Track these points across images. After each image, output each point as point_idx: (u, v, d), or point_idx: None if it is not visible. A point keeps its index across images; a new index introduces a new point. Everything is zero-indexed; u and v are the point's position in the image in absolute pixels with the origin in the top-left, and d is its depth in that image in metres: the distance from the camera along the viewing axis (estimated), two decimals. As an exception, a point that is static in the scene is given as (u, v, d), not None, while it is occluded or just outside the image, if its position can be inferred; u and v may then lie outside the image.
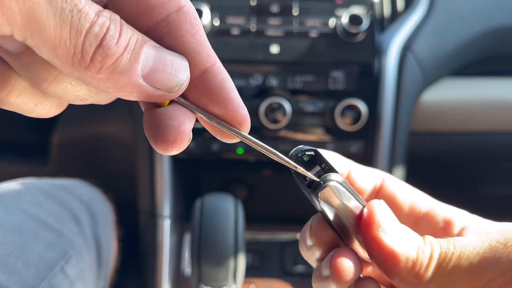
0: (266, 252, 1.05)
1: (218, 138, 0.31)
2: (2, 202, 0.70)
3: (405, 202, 0.39)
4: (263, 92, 0.90)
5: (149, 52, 0.25)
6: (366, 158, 0.93)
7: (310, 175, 0.34)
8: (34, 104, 0.28)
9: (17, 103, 0.27)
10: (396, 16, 0.97)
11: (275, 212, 1.12)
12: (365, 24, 0.87)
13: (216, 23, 0.90)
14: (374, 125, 0.90)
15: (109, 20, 0.24)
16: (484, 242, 0.30)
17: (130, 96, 0.26)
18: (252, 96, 0.90)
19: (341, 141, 0.92)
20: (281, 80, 0.90)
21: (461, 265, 0.30)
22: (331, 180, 0.34)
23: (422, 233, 0.36)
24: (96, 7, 0.24)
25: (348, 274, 0.32)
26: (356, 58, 0.90)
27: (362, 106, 0.88)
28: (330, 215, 0.34)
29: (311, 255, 0.37)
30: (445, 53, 0.94)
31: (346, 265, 0.33)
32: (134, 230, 1.02)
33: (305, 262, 1.03)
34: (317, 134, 0.92)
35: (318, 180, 0.34)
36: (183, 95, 0.29)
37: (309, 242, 0.36)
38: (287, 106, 0.88)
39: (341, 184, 0.34)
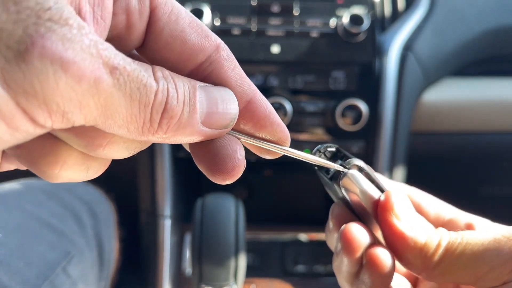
0: (266, 252, 1.05)
1: (263, 156, 0.33)
2: (5, 202, 0.70)
3: (431, 211, 0.41)
4: (264, 92, 0.90)
5: (201, 96, 0.26)
6: (367, 158, 0.93)
7: (333, 165, 0.36)
8: (86, 170, 0.28)
9: (69, 175, 0.28)
10: (397, 16, 0.97)
11: (275, 212, 1.12)
12: (366, 24, 0.88)
13: (217, 23, 0.90)
14: (375, 125, 0.91)
15: (165, 81, 0.25)
16: (490, 235, 0.32)
17: (191, 141, 0.27)
18: (253, 96, 0.90)
19: (342, 141, 0.92)
20: (282, 80, 0.90)
21: (466, 253, 0.32)
22: (352, 167, 0.36)
23: None
24: (150, 70, 0.24)
25: (356, 240, 0.34)
26: (357, 58, 0.90)
27: (362, 106, 0.88)
28: (352, 202, 0.36)
29: (332, 239, 0.39)
30: (446, 53, 0.94)
31: (354, 232, 0.34)
32: (135, 230, 1.02)
33: (305, 262, 1.03)
34: (317, 134, 0.92)
35: (340, 169, 0.36)
36: None
37: (330, 225, 0.38)
38: (288, 106, 0.88)
39: (361, 170, 0.36)
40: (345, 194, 0.36)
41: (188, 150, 0.31)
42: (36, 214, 0.69)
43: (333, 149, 0.38)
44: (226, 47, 0.29)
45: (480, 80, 1.00)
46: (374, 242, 0.35)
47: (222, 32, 0.89)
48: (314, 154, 0.38)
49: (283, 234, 1.06)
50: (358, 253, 0.35)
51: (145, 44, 0.28)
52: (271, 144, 0.32)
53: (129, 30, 0.27)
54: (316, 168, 0.38)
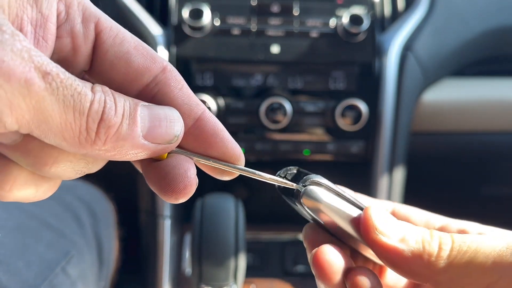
0: (266, 252, 1.05)
1: (218, 177, 0.33)
2: (3, 202, 0.70)
3: (420, 222, 0.40)
4: (263, 92, 0.90)
5: (143, 112, 0.27)
6: (366, 158, 0.93)
7: (291, 184, 0.35)
8: (36, 190, 0.29)
9: (19, 194, 0.28)
10: (396, 16, 0.97)
11: (275, 212, 1.12)
12: (366, 24, 0.88)
13: (217, 23, 0.90)
14: (375, 125, 0.91)
15: (103, 94, 0.25)
16: (502, 241, 0.31)
17: (135, 157, 0.28)
18: (253, 96, 0.90)
19: (342, 141, 0.92)
20: (282, 80, 0.90)
21: (477, 259, 0.31)
22: (310, 184, 0.34)
23: None
24: (89, 84, 0.25)
25: (330, 265, 0.33)
26: (357, 58, 0.90)
27: (362, 106, 0.88)
28: (321, 220, 0.34)
29: None
30: (446, 53, 0.94)
31: (327, 256, 0.33)
32: (135, 230, 1.02)
33: (305, 262, 1.03)
34: (317, 134, 0.92)
35: (297, 187, 0.34)
36: (179, 145, 0.31)
37: (306, 246, 0.37)
38: (288, 106, 0.88)
39: (321, 185, 0.34)
40: (310, 213, 0.34)
41: (140, 170, 0.32)
42: (35, 214, 0.69)
43: (294, 171, 0.36)
44: (173, 68, 0.30)
45: (480, 80, 1.01)
46: (351, 264, 0.34)
47: (221, 32, 0.90)
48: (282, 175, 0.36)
49: (283, 234, 1.06)
50: (335, 280, 0.33)
51: (92, 67, 0.29)
52: (223, 163, 0.32)
53: (75, 53, 0.29)
54: (279, 191, 0.36)
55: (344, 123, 0.89)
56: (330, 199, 0.34)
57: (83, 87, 0.25)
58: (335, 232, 0.35)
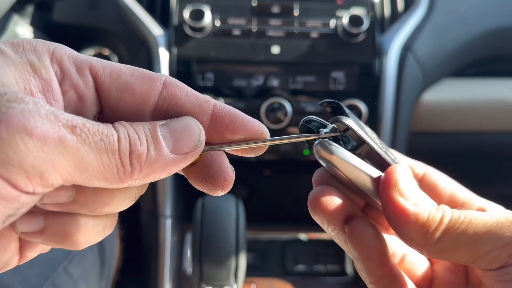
0: (267, 252, 1.05)
1: (252, 155, 0.35)
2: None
3: (446, 192, 0.41)
4: (264, 92, 0.91)
5: (163, 131, 0.30)
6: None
7: (309, 136, 0.34)
8: (104, 229, 0.33)
9: (92, 238, 0.32)
10: (396, 16, 0.98)
11: (276, 212, 1.12)
12: (366, 24, 0.88)
13: (218, 23, 0.90)
14: (375, 125, 0.91)
15: (125, 128, 0.28)
16: (494, 217, 0.32)
17: (174, 171, 0.30)
18: (253, 96, 0.91)
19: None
20: (282, 80, 0.91)
21: (467, 233, 0.32)
22: (329, 132, 0.34)
23: None
24: (110, 125, 0.28)
25: (324, 205, 0.34)
26: (357, 58, 0.90)
27: (362, 106, 0.89)
28: (337, 173, 0.34)
29: None
30: (445, 54, 0.94)
31: (322, 196, 0.34)
32: (136, 229, 1.03)
33: (305, 262, 1.04)
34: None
35: (314, 137, 0.34)
36: (208, 143, 0.33)
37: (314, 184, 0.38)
38: (288, 106, 0.89)
39: (345, 130, 0.33)
40: (323, 164, 0.34)
41: (185, 176, 0.34)
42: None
43: (313, 121, 0.35)
44: (172, 79, 0.32)
45: (479, 81, 1.01)
46: (353, 211, 0.35)
47: (222, 32, 0.90)
48: (302, 128, 0.36)
49: (283, 233, 1.06)
50: (327, 220, 0.34)
51: (103, 107, 0.32)
52: (252, 142, 0.33)
53: (82, 101, 0.31)
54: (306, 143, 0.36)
55: (344, 123, 0.89)
56: (345, 156, 0.33)
57: (107, 129, 0.27)
58: (346, 183, 0.35)
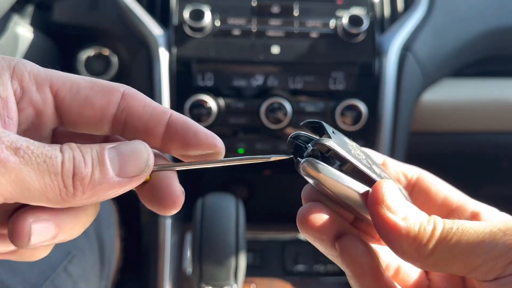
0: (266, 252, 1.05)
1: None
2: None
3: (439, 195, 0.41)
4: (264, 92, 0.91)
5: (111, 154, 0.30)
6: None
7: (267, 158, 0.35)
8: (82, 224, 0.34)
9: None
10: (396, 16, 0.98)
11: (275, 212, 1.12)
12: (365, 24, 0.88)
13: (217, 23, 0.90)
14: (374, 125, 0.91)
15: (71, 151, 0.28)
16: (487, 227, 0.31)
17: (120, 192, 0.31)
18: (253, 96, 0.91)
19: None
20: (282, 80, 0.91)
21: (461, 244, 0.31)
22: (310, 153, 0.33)
23: None
24: (57, 146, 0.28)
25: (313, 223, 0.34)
26: (357, 58, 0.90)
27: (362, 106, 0.89)
28: (325, 191, 0.34)
29: None
30: (445, 54, 0.94)
31: (310, 214, 0.34)
32: (136, 229, 1.03)
33: (305, 262, 1.04)
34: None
35: (292, 157, 0.34)
36: (163, 159, 0.35)
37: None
38: (288, 106, 0.89)
39: (327, 151, 0.33)
40: (311, 183, 0.34)
41: (138, 194, 0.35)
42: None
43: (304, 136, 0.35)
44: (131, 89, 0.33)
45: (479, 81, 1.01)
46: (343, 228, 0.35)
47: (222, 32, 0.90)
48: (290, 144, 0.35)
49: (283, 233, 1.06)
50: (316, 237, 0.35)
51: (62, 121, 0.33)
52: (202, 162, 0.35)
53: (40, 117, 0.32)
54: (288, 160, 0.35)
55: (344, 123, 0.90)
56: (331, 173, 0.33)
57: (52, 151, 0.28)
58: (334, 200, 0.35)
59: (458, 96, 0.97)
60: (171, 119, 0.34)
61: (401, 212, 0.33)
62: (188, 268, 0.99)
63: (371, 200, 0.34)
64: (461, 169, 1.08)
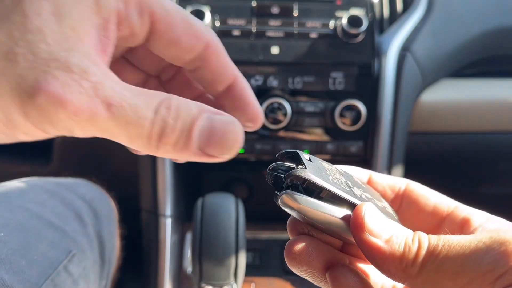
0: (266, 251, 1.05)
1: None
2: (7, 201, 0.71)
3: (429, 204, 0.40)
4: (263, 92, 0.91)
5: (204, 126, 0.30)
6: (365, 158, 0.94)
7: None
8: None
9: None
10: (395, 17, 0.98)
11: (275, 211, 1.12)
12: (365, 25, 0.88)
13: (217, 24, 0.90)
14: (374, 125, 0.91)
15: (167, 113, 0.29)
16: (472, 242, 0.31)
17: (195, 159, 0.31)
18: (253, 97, 0.91)
19: (341, 141, 0.93)
20: (282, 80, 0.91)
21: (446, 263, 0.31)
22: (287, 186, 0.33)
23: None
24: (155, 101, 0.29)
25: (301, 257, 0.34)
26: (356, 59, 0.91)
27: (361, 107, 0.89)
28: (308, 221, 0.34)
29: None
30: (444, 54, 0.94)
31: (297, 248, 0.34)
32: (136, 228, 1.03)
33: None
34: (317, 134, 0.93)
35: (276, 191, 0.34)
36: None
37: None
38: (288, 107, 0.89)
39: (303, 182, 0.33)
40: (293, 215, 0.34)
41: None
42: (37, 213, 0.70)
43: (283, 166, 0.35)
44: (216, 44, 0.36)
45: (478, 81, 1.01)
46: (334, 258, 0.35)
47: (222, 33, 0.90)
48: (269, 176, 0.35)
49: (283, 233, 1.06)
50: (306, 272, 0.34)
51: (145, 44, 0.34)
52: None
53: (132, 40, 0.33)
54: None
55: (343, 123, 0.90)
56: (310, 203, 0.33)
57: (145, 110, 0.28)
58: (319, 228, 0.35)
59: (457, 96, 0.97)
60: (237, 81, 0.37)
61: (384, 233, 0.33)
62: (188, 267, 1.00)
63: (353, 227, 0.33)
64: (460, 169, 1.08)
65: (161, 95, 0.29)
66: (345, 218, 0.34)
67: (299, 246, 0.34)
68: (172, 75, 0.41)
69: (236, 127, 0.31)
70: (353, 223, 0.33)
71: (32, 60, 0.26)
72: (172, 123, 0.29)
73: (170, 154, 0.30)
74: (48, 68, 0.26)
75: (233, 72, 0.37)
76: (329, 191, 0.33)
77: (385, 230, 0.33)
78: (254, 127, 0.38)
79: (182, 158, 0.31)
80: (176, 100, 0.30)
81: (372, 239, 0.33)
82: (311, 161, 0.35)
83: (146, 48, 0.35)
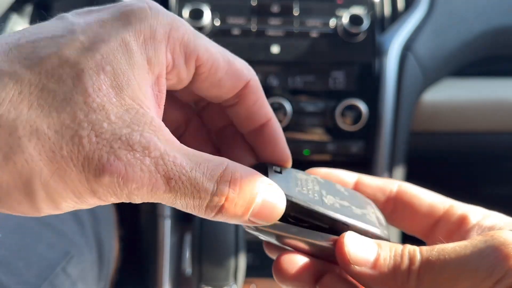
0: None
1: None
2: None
3: (424, 204, 0.40)
4: (263, 92, 0.90)
5: (258, 201, 0.31)
6: (366, 158, 0.93)
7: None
8: None
9: None
10: (396, 16, 0.97)
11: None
12: (366, 24, 0.88)
13: (217, 23, 0.90)
14: (375, 125, 0.91)
15: (228, 187, 0.30)
16: (467, 249, 0.31)
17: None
18: (253, 96, 0.90)
19: (342, 141, 0.92)
20: (282, 80, 0.90)
21: (444, 272, 0.31)
22: None
23: (439, 234, 0.37)
24: (217, 174, 0.30)
25: (289, 271, 0.34)
26: (357, 58, 0.90)
27: (362, 106, 0.88)
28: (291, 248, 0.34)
29: None
30: (446, 53, 0.94)
31: (285, 264, 0.35)
32: (135, 230, 1.02)
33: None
34: (317, 134, 0.93)
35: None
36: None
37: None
38: (288, 106, 0.89)
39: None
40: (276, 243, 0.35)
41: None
42: (36, 214, 0.69)
43: None
44: (255, 83, 0.37)
45: (480, 80, 1.00)
46: (322, 267, 0.35)
47: (221, 32, 0.90)
48: None
49: (283, 234, 1.06)
50: (305, 287, 0.34)
51: (190, 85, 0.35)
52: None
53: (178, 84, 0.35)
54: None
55: (344, 123, 0.89)
56: (291, 231, 0.34)
57: (206, 182, 0.29)
58: (304, 252, 0.35)
59: (459, 96, 0.97)
60: (270, 122, 0.38)
61: (370, 257, 0.33)
62: (188, 268, 0.99)
63: (340, 262, 0.34)
64: (461, 169, 1.08)
65: (220, 164, 0.30)
66: (331, 242, 0.34)
67: (285, 260, 0.35)
68: (207, 104, 0.41)
69: (281, 204, 0.33)
70: (340, 259, 0.33)
71: (96, 142, 0.27)
72: (233, 197, 0.30)
73: (222, 220, 0.31)
74: (111, 149, 0.27)
75: (268, 113, 0.38)
76: (294, 203, 0.33)
77: (370, 253, 0.33)
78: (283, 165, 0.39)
79: (225, 220, 0.32)
80: (238, 173, 0.31)
81: (358, 269, 0.33)
82: (281, 173, 0.35)
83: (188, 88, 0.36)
